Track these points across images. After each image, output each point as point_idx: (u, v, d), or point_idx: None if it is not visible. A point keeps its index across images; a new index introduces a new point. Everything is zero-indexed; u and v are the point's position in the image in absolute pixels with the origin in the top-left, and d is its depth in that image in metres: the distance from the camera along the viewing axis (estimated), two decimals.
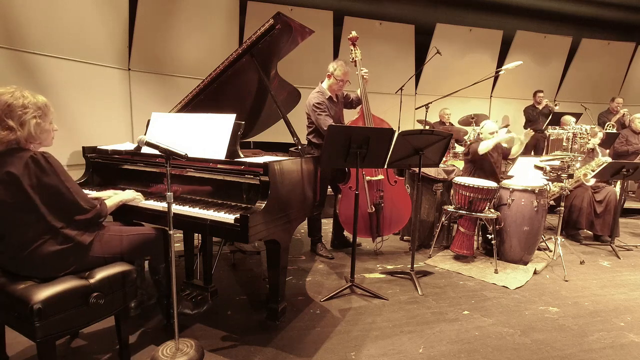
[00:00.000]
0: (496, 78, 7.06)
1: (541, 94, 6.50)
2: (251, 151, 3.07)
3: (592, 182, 4.08)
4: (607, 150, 4.93)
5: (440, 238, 3.84)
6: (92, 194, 2.06)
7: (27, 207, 1.58)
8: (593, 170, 4.04)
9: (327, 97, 3.28)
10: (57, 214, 1.65)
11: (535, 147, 6.59)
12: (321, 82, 3.37)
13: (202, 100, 2.74)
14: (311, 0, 5.83)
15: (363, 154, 2.62)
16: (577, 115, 5.61)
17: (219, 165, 2.17)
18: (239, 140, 2.26)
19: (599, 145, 4.33)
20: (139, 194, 2.19)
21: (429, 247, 3.76)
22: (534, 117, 6.49)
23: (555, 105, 6.73)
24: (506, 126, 6.91)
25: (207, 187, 2.22)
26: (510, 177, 3.79)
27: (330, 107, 3.28)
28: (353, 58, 3.41)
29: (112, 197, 2.03)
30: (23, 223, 1.60)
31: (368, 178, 3.36)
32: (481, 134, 3.83)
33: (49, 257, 1.63)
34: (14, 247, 1.62)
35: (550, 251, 3.77)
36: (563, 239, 3.57)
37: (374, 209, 3.40)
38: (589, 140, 4.05)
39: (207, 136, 2.25)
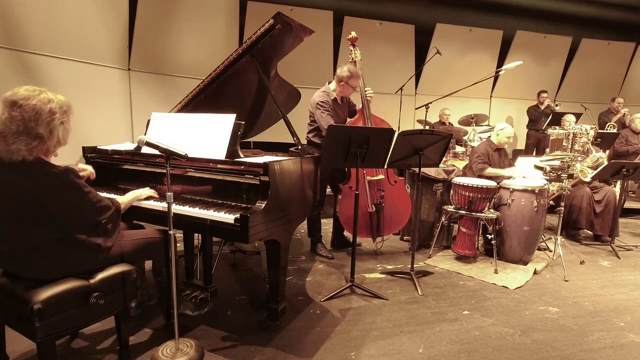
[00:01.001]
0: (496, 78, 7.06)
1: (545, 95, 6.54)
2: (251, 151, 3.07)
3: (589, 178, 4.08)
4: (607, 151, 4.92)
5: (440, 238, 3.84)
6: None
7: (43, 220, 1.57)
8: (589, 167, 4.04)
9: (332, 98, 3.27)
10: (73, 227, 1.64)
11: (536, 146, 6.62)
12: (328, 83, 3.36)
13: (202, 100, 2.74)
14: (311, 0, 5.83)
15: (363, 154, 2.62)
16: (578, 115, 5.62)
17: (219, 165, 2.17)
18: (239, 140, 2.26)
19: (591, 144, 4.32)
20: (154, 191, 2.22)
21: (429, 247, 3.75)
22: (536, 117, 6.56)
23: (557, 105, 6.76)
24: None
25: (207, 187, 2.22)
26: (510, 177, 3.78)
27: (333, 108, 3.28)
28: (353, 58, 3.41)
29: (126, 195, 2.03)
30: (35, 232, 1.59)
31: (369, 178, 3.36)
32: (497, 135, 3.83)
33: (60, 262, 1.63)
34: (17, 251, 1.61)
35: (550, 251, 3.77)
36: (563, 239, 3.57)
37: (374, 209, 3.40)
38: (589, 140, 4.05)
39: (207, 136, 2.25)
